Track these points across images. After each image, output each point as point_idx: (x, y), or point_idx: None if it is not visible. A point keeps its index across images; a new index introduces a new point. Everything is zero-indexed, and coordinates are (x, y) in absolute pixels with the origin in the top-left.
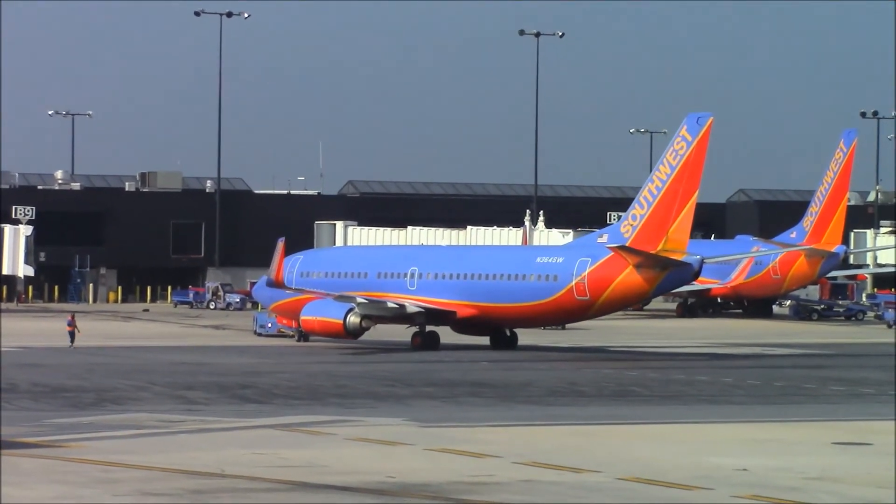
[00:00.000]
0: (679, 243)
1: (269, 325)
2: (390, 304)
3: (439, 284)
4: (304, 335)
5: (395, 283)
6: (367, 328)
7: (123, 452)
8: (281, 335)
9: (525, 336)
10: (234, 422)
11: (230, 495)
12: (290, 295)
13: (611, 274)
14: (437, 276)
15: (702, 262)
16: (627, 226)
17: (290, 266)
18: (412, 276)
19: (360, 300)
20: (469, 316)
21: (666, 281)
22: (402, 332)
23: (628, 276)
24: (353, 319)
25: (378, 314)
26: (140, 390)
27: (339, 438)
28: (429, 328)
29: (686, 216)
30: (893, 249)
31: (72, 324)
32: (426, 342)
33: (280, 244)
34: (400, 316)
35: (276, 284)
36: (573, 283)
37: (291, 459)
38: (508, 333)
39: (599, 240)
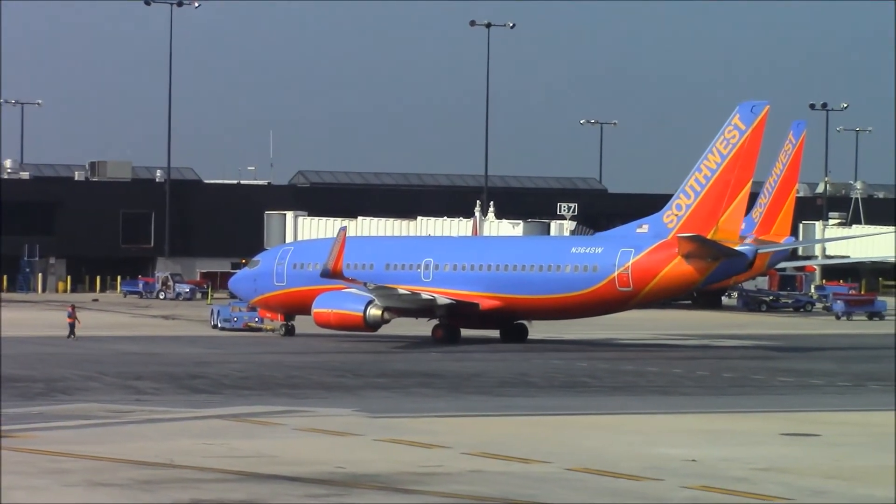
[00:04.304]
0: (730, 233)
1: (235, 318)
2: (425, 297)
3: (459, 276)
4: (289, 330)
5: (407, 275)
6: (388, 321)
7: (72, 443)
8: (248, 329)
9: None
10: (183, 412)
11: (179, 486)
12: (279, 288)
13: (657, 264)
14: (457, 267)
15: (756, 252)
16: (671, 216)
17: (280, 257)
18: (426, 267)
19: (401, 292)
20: (492, 308)
21: (717, 271)
22: (403, 326)
23: (676, 267)
24: (374, 312)
25: (403, 306)
26: (89, 380)
27: (289, 429)
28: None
29: (738, 206)
30: (842, 241)
31: (72, 315)
32: (448, 335)
33: (342, 233)
34: (424, 308)
35: (334, 274)
36: (615, 273)
37: (241, 450)
38: (527, 325)
39: (639, 230)
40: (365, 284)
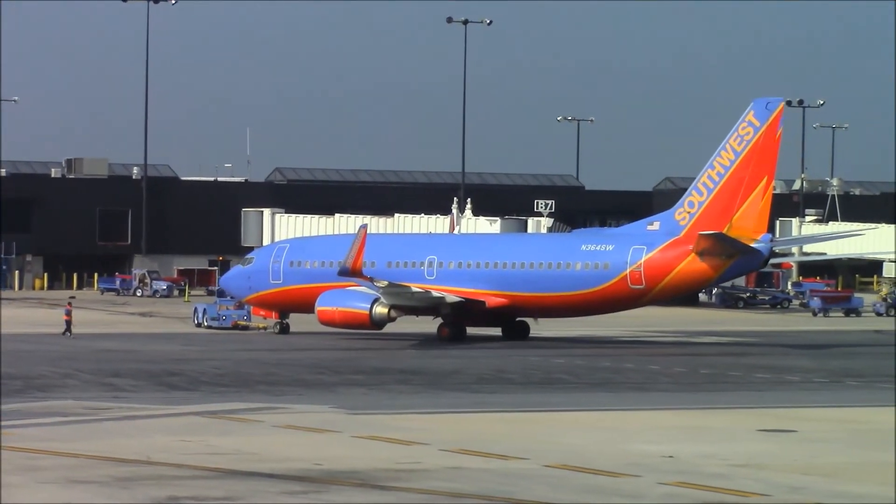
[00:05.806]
0: (745, 230)
1: (224, 317)
2: (435, 295)
3: (464, 273)
4: (284, 328)
5: (411, 272)
6: (394, 319)
7: (49, 440)
8: (237, 327)
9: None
10: (161, 409)
11: (157, 483)
12: (275, 286)
13: (671, 261)
14: (462, 264)
15: (770, 249)
16: (683, 213)
17: (276, 255)
18: (430, 264)
19: (413, 290)
20: (499, 306)
21: (733, 268)
22: (407, 324)
23: (690, 264)
24: (381, 310)
25: (411, 304)
26: (66, 377)
27: (267, 426)
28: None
29: (753, 203)
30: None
31: (69, 313)
32: (454, 333)
33: (362, 231)
34: (431, 307)
35: (353, 273)
36: (627, 271)
37: (219, 447)
38: (531, 322)
39: (650, 227)
40: (372, 281)
